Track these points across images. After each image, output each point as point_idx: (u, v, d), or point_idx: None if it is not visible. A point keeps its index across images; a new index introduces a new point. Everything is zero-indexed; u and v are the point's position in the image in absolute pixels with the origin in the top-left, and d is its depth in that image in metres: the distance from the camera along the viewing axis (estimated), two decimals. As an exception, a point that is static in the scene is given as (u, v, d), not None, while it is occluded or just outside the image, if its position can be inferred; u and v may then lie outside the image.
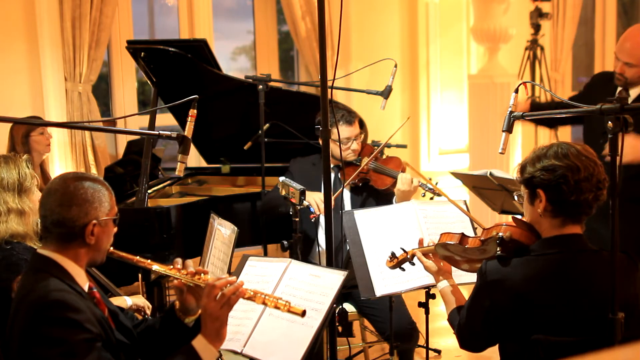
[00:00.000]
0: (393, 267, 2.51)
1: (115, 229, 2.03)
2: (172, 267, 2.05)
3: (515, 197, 2.15)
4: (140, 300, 2.74)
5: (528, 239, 2.06)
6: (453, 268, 2.37)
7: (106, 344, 1.87)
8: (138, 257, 2.06)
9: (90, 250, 1.95)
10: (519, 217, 2.17)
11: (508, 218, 2.20)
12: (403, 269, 2.53)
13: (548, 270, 1.97)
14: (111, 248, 2.03)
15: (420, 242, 2.44)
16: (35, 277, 1.89)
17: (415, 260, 2.45)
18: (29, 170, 2.48)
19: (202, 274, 2.01)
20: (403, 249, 2.47)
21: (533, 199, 2.04)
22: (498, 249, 2.03)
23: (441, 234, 2.29)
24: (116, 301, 2.68)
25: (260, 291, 2.00)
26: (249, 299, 1.98)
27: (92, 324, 1.83)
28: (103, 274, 2.77)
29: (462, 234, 2.22)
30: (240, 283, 1.97)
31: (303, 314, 1.94)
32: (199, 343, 1.91)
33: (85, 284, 1.96)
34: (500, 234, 2.05)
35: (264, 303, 1.97)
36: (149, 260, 2.07)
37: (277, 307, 1.95)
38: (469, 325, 2.09)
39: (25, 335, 1.80)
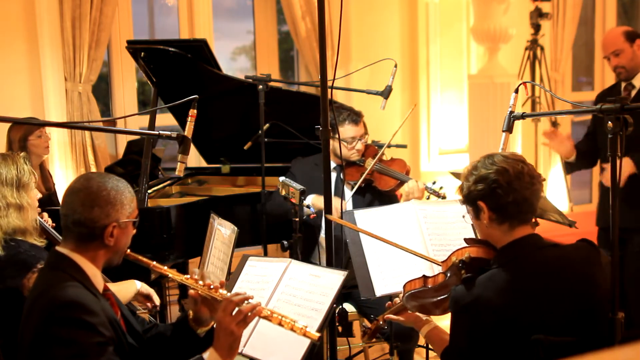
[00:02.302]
0: (370, 339, 2.50)
1: (134, 231, 2.03)
2: (189, 276, 2.03)
3: (465, 219, 2.17)
4: (149, 289, 2.73)
5: (488, 254, 2.07)
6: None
7: (118, 348, 1.86)
8: (155, 262, 2.05)
9: (109, 251, 1.96)
10: (469, 236, 2.19)
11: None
12: (379, 337, 2.52)
13: (515, 278, 1.96)
14: (128, 250, 2.03)
15: (389, 305, 2.42)
16: (51, 275, 1.88)
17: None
18: (27, 167, 2.50)
19: (220, 287, 2.00)
20: (373, 317, 2.46)
21: (478, 213, 2.05)
22: (463, 273, 2.03)
23: (404, 285, 2.25)
24: (125, 284, 2.67)
25: (276, 311, 1.99)
26: (265, 318, 1.96)
27: (105, 327, 1.83)
28: (104, 272, 2.76)
29: (424, 276, 2.19)
30: (258, 302, 1.95)
31: (318, 339, 1.93)
32: (211, 356, 1.90)
33: (100, 284, 1.96)
34: (461, 258, 2.05)
35: (280, 324, 1.95)
36: (165, 267, 2.06)
37: (292, 330, 1.93)
38: (462, 356, 2.06)
39: (38, 334, 1.79)
